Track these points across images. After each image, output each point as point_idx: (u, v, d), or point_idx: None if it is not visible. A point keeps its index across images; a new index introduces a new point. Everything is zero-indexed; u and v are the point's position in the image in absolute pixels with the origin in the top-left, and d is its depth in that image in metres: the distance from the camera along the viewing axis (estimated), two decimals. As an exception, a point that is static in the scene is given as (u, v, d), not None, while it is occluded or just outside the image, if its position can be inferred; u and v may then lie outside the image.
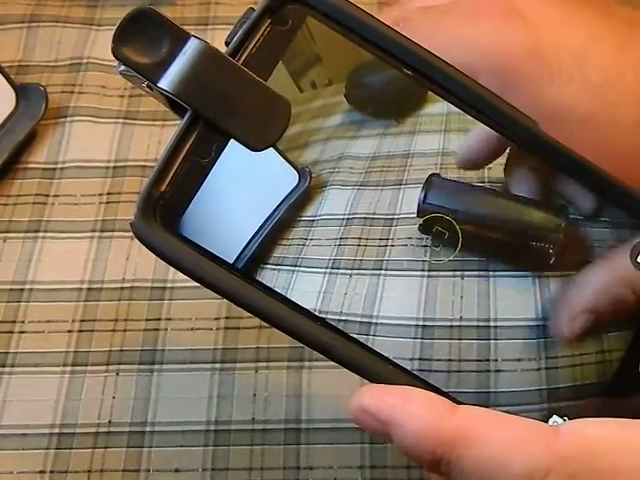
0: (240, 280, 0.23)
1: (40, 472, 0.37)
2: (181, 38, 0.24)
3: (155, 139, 0.46)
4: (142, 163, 0.45)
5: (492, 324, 0.26)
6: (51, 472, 0.37)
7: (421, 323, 0.26)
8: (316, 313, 0.24)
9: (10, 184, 0.44)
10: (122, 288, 0.41)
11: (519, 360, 0.26)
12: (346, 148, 0.26)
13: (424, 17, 0.31)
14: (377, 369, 0.24)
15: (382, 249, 0.26)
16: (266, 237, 0.25)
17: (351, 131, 0.27)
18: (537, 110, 0.28)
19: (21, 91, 0.45)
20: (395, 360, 0.24)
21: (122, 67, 0.24)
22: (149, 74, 0.23)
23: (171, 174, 0.23)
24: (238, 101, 0.24)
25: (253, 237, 0.25)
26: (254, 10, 0.25)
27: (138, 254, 0.42)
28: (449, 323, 0.26)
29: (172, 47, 0.24)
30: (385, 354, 0.24)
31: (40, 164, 0.45)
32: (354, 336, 0.24)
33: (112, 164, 0.45)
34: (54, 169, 0.45)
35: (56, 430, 0.38)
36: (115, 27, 0.23)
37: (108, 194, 0.44)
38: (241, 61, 0.24)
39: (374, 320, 0.25)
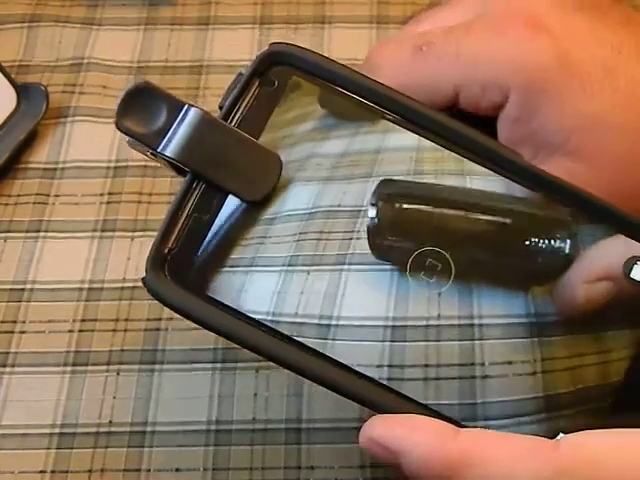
0: (252, 327, 0.25)
1: (41, 472, 0.37)
2: (177, 107, 0.26)
3: (156, 139, 0.46)
4: (143, 163, 0.45)
5: (476, 322, 0.25)
6: (52, 472, 0.37)
7: (390, 323, 0.25)
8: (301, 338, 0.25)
9: (11, 184, 0.44)
10: (123, 288, 0.41)
11: (510, 363, 0.25)
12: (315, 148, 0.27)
13: (446, 38, 0.30)
14: (382, 400, 0.24)
15: (346, 242, 0.25)
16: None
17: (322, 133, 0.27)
18: (569, 121, 0.29)
19: (22, 91, 0.45)
20: (360, 368, 0.25)
21: (128, 138, 0.26)
22: (150, 142, 0.26)
23: (176, 231, 0.25)
24: (233, 160, 0.26)
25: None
26: (242, 75, 0.27)
27: (139, 254, 0.42)
28: (424, 322, 0.25)
29: (169, 116, 0.26)
30: (346, 361, 0.25)
31: (41, 164, 0.45)
32: (357, 369, 0.25)
33: (113, 164, 0.45)
34: (55, 169, 0.45)
35: (57, 430, 0.38)
36: (117, 103, 0.26)
37: (109, 194, 0.44)
38: (234, 123, 0.26)
39: (334, 322, 0.25)
